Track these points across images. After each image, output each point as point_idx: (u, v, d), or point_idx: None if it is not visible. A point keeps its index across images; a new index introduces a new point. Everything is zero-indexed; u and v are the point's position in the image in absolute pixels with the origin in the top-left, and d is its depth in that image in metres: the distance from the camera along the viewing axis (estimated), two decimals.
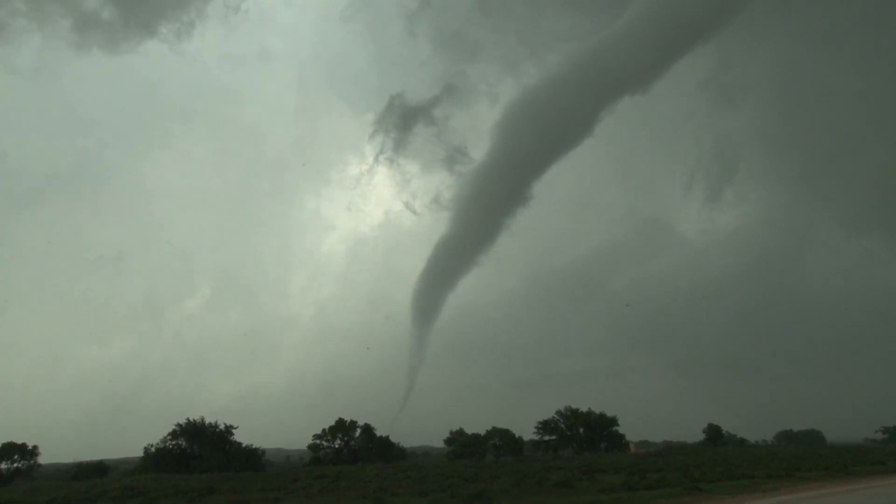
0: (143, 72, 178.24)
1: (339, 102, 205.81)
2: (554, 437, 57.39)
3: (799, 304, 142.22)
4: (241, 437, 46.45)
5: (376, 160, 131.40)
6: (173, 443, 43.82)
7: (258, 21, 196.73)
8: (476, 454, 52.83)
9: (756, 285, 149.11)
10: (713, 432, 63.62)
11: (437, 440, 69.64)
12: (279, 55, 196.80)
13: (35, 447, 49.91)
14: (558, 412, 58.22)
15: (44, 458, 50.87)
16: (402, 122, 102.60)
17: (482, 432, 58.45)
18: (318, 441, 51.09)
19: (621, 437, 57.92)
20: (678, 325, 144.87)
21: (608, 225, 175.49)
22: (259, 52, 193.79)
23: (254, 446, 46.65)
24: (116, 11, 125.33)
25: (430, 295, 68.77)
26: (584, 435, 57.08)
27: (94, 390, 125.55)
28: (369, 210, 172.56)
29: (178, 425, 44.32)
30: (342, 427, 51.51)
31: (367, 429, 51.81)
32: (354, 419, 52.47)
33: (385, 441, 51.92)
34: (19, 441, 49.88)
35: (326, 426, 51.82)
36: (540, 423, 58.15)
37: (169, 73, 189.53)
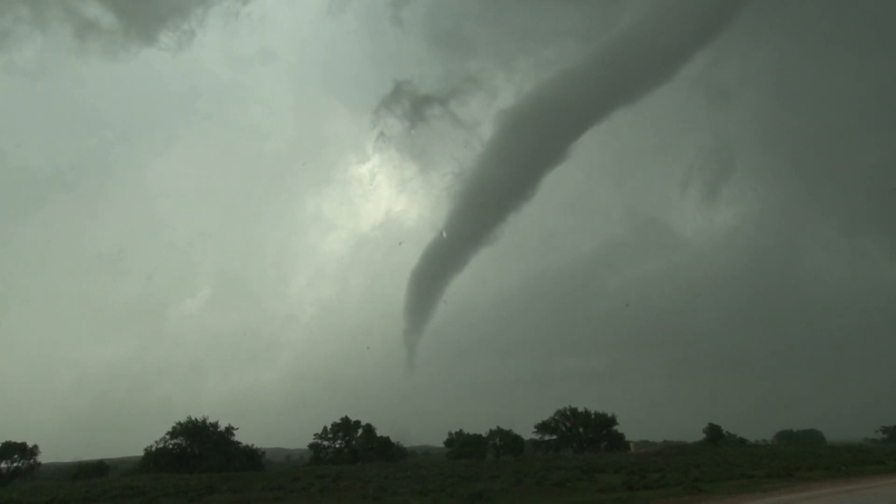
0: (145, 73, 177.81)
1: (339, 101, 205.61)
2: (554, 437, 57.37)
3: (798, 303, 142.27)
4: (242, 436, 46.53)
5: (376, 148, 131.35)
6: (173, 442, 43.84)
7: (259, 22, 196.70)
8: (476, 454, 52.81)
9: (755, 284, 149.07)
10: (713, 432, 63.60)
11: (437, 440, 69.63)
12: (279, 55, 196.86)
13: (35, 447, 49.90)
14: (558, 412, 58.22)
15: (44, 458, 50.84)
16: (408, 112, 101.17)
17: (482, 432, 58.49)
18: (318, 440, 51.05)
19: (621, 436, 57.88)
20: (678, 325, 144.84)
21: (606, 225, 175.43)
22: (259, 53, 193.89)
23: (254, 446, 46.68)
24: (116, 20, 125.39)
25: (425, 290, 68.65)
26: (583, 435, 57.08)
27: (94, 389, 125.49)
28: (371, 209, 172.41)
29: (178, 424, 44.34)
30: (344, 426, 51.49)
31: (368, 428, 51.81)
32: (355, 418, 52.49)
33: (385, 441, 51.91)
34: (19, 440, 49.94)
35: (327, 425, 51.81)
36: (540, 424, 58.14)
37: (170, 74, 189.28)
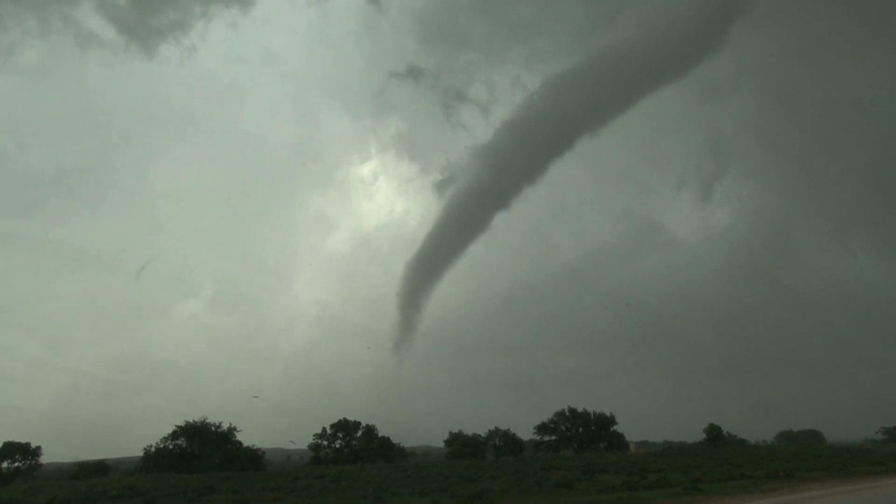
0: (146, 76, 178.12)
1: (340, 101, 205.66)
2: (554, 438, 57.37)
3: (798, 303, 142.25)
4: (242, 436, 46.49)
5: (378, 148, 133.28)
6: (173, 443, 43.80)
7: (261, 23, 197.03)
8: (476, 454, 52.85)
9: (754, 284, 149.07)
10: (713, 432, 63.59)
11: (437, 440, 69.73)
12: (279, 56, 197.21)
13: (38, 448, 50.03)
14: (557, 413, 58.22)
15: (45, 458, 51.04)
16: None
17: (482, 433, 58.55)
18: (318, 440, 51.06)
19: (621, 436, 57.89)
20: (677, 325, 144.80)
21: (603, 225, 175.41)
22: (259, 54, 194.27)
23: (254, 446, 46.65)
24: (116, 33, 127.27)
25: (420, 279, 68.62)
26: (583, 435, 57.06)
27: (94, 390, 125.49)
28: (373, 210, 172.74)
29: (178, 427, 44.25)
30: (344, 427, 51.51)
31: (369, 429, 51.84)
32: (355, 419, 52.51)
33: (386, 441, 51.95)
34: (21, 440, 50.03)
35: (327, 425, 51.80)
36: (539, 424, 58.13)
37: (171, 77, 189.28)
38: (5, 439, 49.37)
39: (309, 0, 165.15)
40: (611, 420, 57.36)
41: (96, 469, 44.98)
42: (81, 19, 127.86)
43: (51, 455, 52.83)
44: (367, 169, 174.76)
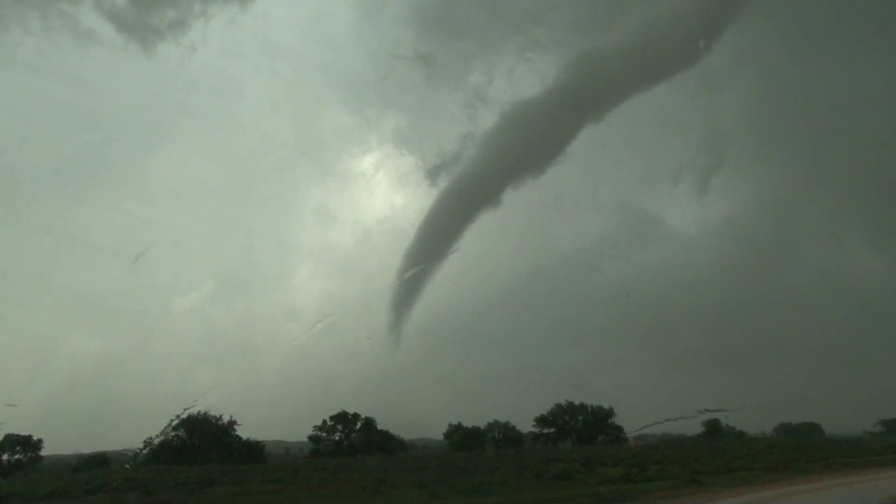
0: (147, 68, 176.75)
1: (340, 94, 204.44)
2: (553, 430, 57.56)
3: (796, 296, 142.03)
4: (242, 429, 46.58)
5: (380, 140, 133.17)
6: (174, 434, 43.90)
7: (261, 16, 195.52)
8: (476, 447, 52.98)
9: (752, 276, 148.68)
10: (712, 425, 63.76)
11: (436, 433, 69.80)
12: (279, 47, 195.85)
13: (39, 440, 50.08)
14: (556, 405, 58.35)
15: (46, 450, 51.07)
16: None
17: (482, 425, 58.62)
18: (318, 433, 51.17)
19: (620, 429, 58.07)
20: (675, 318, 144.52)
21: (600, 218, 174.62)
22: (259, 47, 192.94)
23: (254, 439, 46.74)
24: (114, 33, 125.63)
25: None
26: (582, 427, 57.25)
27: (94, 383, 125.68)
28: (374, 202, 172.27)
29: (177, 416, 44.30)
30: (343, 419, 51.59)
31: (368, 421, 51.93)
32: (354, 411, 52.54)
33: (385, 434, 52.05)
34: (22, 433, 50.06)
35: (326, 417, 51.83)
36: (539, 416, 58.26)
37: (170, 72, 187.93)
38: (6, 432, 49.41)
39: None
40: (609, 413, 57.54)
41: (98, 461, 45.08)
42: (80, 17, 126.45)
43: (52, 447, 52.94)
44: (368, 161, 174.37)
